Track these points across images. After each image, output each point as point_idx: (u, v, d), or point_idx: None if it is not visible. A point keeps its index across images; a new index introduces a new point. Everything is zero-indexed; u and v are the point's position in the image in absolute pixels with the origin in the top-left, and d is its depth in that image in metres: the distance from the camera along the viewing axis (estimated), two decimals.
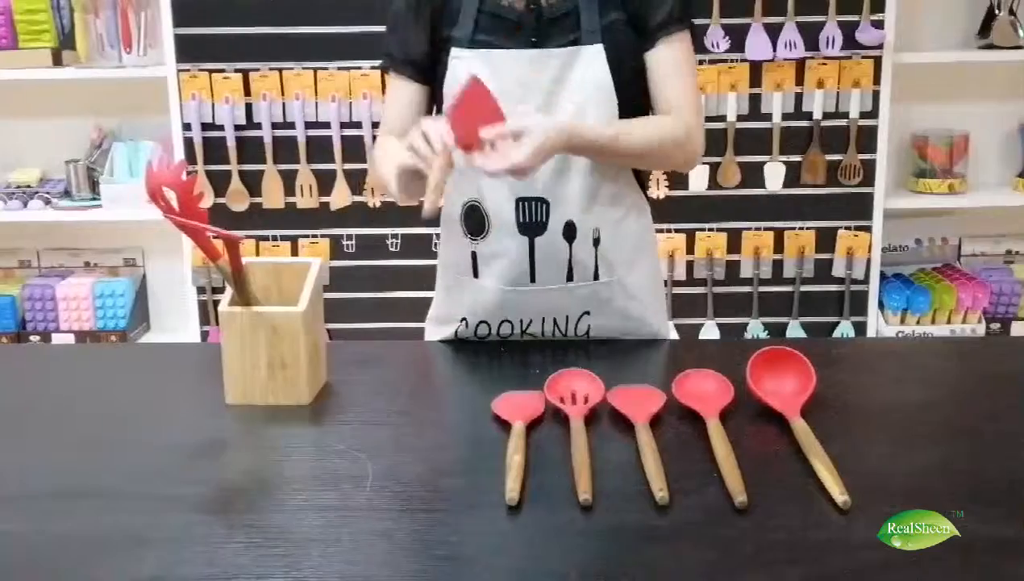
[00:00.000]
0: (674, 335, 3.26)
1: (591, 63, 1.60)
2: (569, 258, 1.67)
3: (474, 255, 1.71)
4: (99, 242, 3.56)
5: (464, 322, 1.73)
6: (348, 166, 3.21)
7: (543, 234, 1.66)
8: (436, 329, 1.81)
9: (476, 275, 1.71)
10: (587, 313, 1.71)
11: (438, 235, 1.86)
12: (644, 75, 1.66)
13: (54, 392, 1.58)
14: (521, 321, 1.71)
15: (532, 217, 1.65)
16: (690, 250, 3.28)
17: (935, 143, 3.30)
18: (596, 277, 1.69)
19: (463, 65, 1.61)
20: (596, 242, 1.67)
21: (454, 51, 1.63)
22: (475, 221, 1.69)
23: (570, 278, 1.68)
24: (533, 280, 1.68)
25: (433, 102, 1.72)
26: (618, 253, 1.70)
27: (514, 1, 1.62)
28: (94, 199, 3.36)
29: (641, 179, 1.76)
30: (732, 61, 3.15)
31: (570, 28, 1.61)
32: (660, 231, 3.24)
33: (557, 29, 1.61)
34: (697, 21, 3.04)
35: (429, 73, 1.69)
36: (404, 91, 1.70)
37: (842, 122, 3.19)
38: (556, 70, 1.60)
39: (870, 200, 3.24)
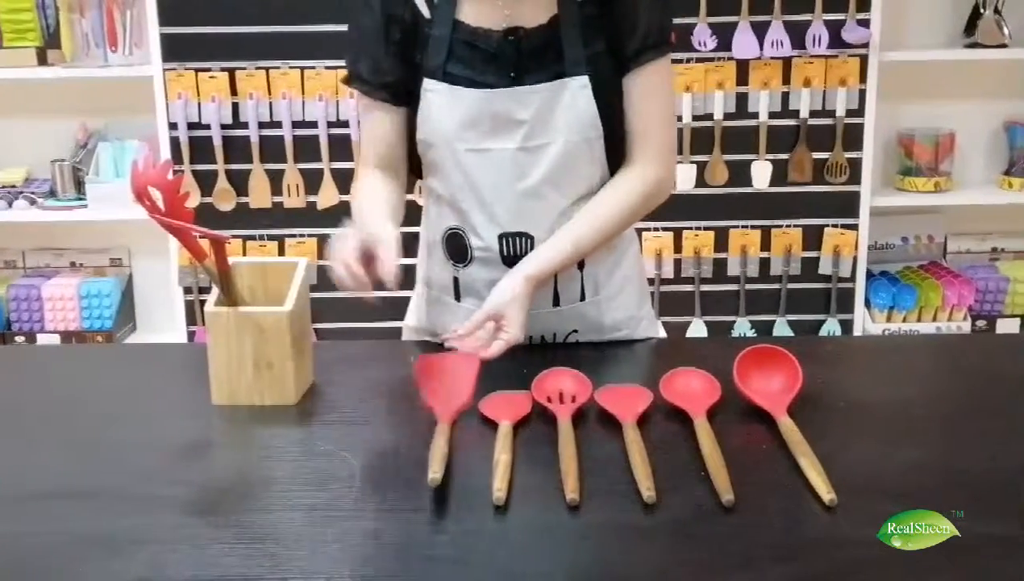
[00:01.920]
0: (661, 334, 3.26)
1: (576, 96, 1.52)
2: (555, 284, 1.64)
3: (456, 280, 1.67)
4: (85, 242, 3.54)
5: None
6: (335, 165, 3.20)
7: None
8: (418, 337, 1.78)
9: (458, 299, 1.68)
10: (575, 330, 1.70)
11: None
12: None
13: (39, 393, 1.57)
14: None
15: (516, 251, 1.60)
16: (677, 249, 3.29)
17: (921, 141, 3.32)
18: (583, 297, 1.67)
19: (439, 101, 1.54)
20: (580, 266, 1.65)
21: (426, 82, 1.54)
22: (456, 248, 1.64)
23: (556, 303, 1.66)
24: None
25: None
26: (602, 270, 1.68)
27: (491, 28, 1.53)
28: (80, 199, 3.35)
29: None
30: (719, 60, 3.15)
31: (552, 59, 1.52)
32: (647, 230, 3.25)
33: (537, 62, 1.52)
34: (684, 20, 3.09)
35: (407, 96, 1.58)
36: (382, 117, 1.61)
37: (828, 120, 3.20)
38: (538, 106, 1.52)
39: (856, 198, 3.25)
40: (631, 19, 1.53)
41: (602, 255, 1.66)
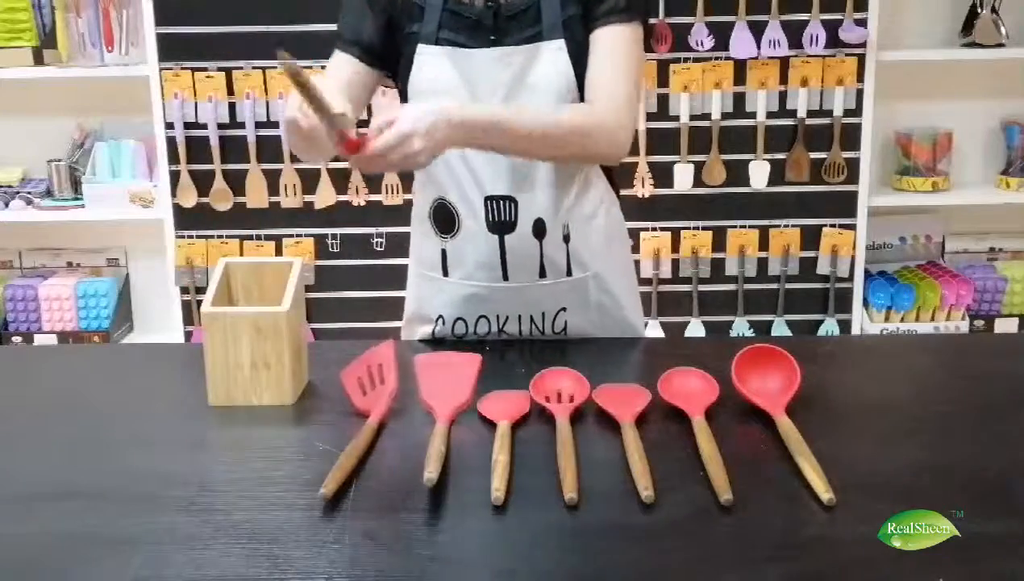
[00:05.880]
0: (659, 333, 3.26)
1: (553, 59, 1.59)
2: (540, 255, 1.67)
3: (444, 253, 1.70)
4: (82, 242, 3.53)
5: (441, 320, 1.73)
6: (333, 165, 3.19)
7: (513, 232, 1.65)
8: (413, 330, 1.80)
9: (445, 273, 1.71)
10: (563, 309, 1.71)
11: None
12: None
13: (36, 393, 1.57)
14: (498, 317, 1.71)
15: (501, 215, 1.65)
16: (675, 248, 3.29)
17: (919, 141, 3.32)
18: (569, 273, 1.69)
19: (431, 61, 1.62)
20: (566, 238, 1.67)
21: (420, 47, 1.62)
22: (444, 219, 1.68)
23: (543, 275, 1.68)
24: (506, 278, 1.68)
25: (376, 87, 1.70)
26: (589, 248, 1.70)
27: None
28: (76, 199, 3.34)
29: (611, 174, 1.75)
30: (716, 59, 3.15)
31: (529, 23, 1.60)
32: (645, 230, 3.25)
33: (516, 25, 1.60)
34: (681, 20, 3.09)
35: (376, 58, 1.66)
36: (347, 67, 1.66)
37: (826, 120, 3.19)
38: (518, 67, 1.59)
39: (854, 198, 3.25)
40: None
41: (589, 231, 1.68)
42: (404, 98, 1.67)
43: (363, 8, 1.66)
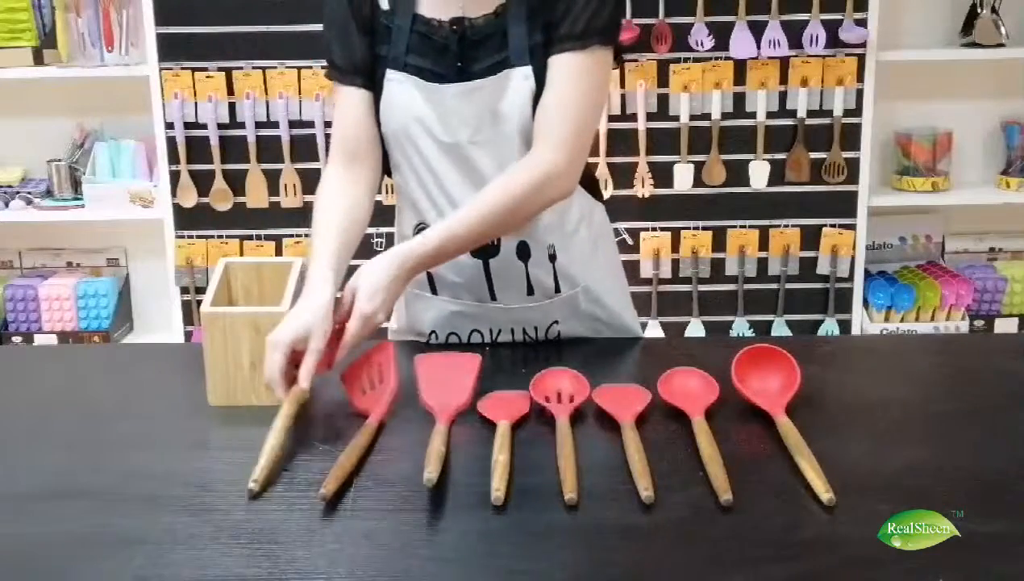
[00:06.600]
0: (659, 333, 3.26)
1: (520, 86, 1.54)
2: (527, 276, 1.65)
3: (429, 274, 1.67)
4: (82, 242, 3.53)
5: (433, 334, 1.71)
6: None
7: (497, 256, 1.63)
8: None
9: (434, 292, 1.69)
10: (556, 322, 1.70)
11: None
12: None
13: (36, 393, 1.57)
14: (491, 330, 1.70)
15: None
16: (675, 249, 3.29)
17: (918, 141, 3.32)
18: (557, 290, 1.67)
19: (399, 89, 1.57)
20: (552, 258, 1.65)
21: (389, 72, 1.58)
22: None
23: (531, 293, 1.66)
24: (494, 298, 1.66)
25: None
26: (576, 262, 1.67)
27: (441, 19, 1.55)
28: (76, 199, 3.34)
29: (590, 182, 1.73)
30: (716, 59, 3.15)
31: (496, 49, 1.54)
32: (645, 230, 3.25)
33: (483, 51, 1.55)
34: (681, 20, 3.09)
35: (374, 81, 1.61)
36: (355, 100, 1.61)
37: (826, 120, 3.19)
38: (485, 100, 1.55)
39: (854, 198, 3.25)
40: (565, 5, 1.52)
41: (574, 245, 1.67)
42: (377, 120, 1.61)
43: (350, 29, 1.59)
